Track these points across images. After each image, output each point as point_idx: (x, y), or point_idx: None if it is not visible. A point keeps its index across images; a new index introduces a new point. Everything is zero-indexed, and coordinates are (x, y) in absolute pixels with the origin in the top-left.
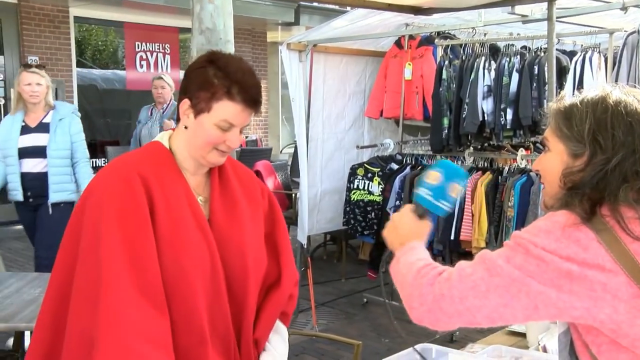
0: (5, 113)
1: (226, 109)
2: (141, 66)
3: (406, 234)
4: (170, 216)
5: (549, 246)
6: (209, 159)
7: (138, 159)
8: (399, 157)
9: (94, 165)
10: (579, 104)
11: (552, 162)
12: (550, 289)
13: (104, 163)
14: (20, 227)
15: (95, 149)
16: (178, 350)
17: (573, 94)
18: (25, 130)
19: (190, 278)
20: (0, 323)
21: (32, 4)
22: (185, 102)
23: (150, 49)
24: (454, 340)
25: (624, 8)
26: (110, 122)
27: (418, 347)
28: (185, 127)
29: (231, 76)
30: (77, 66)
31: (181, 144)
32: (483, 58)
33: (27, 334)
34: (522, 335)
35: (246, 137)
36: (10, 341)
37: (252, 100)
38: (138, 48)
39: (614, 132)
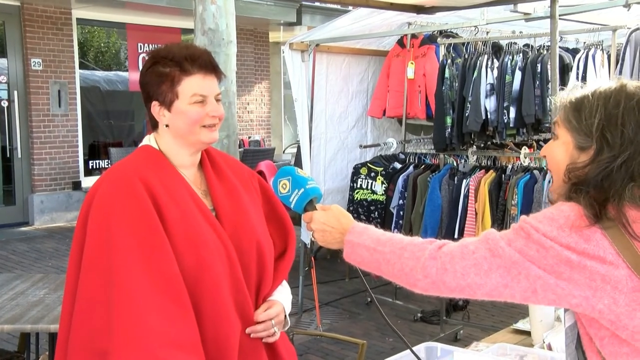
0: (9, 115)
1: (190, 84)
2: None
3: (339, 224)
4: (181, 213)
5: (550, 233)
6: (203, 138)
7: (134, 163)
8: (402, 156)
9: (98, 166)
10: (590, 95)
11: (558, 151)
12: (550, 274)
13: (107, 164)
14: (25, 228)
15: (99, 151)
16: (206, 345)
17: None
18: None
19: (213, 271)
20: (6, 324)
21: (35, 6)
22: (155, 105)
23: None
24: (458, 339)
25: (627, 5)
26: (113, 123)
27: (422, 345)
28: (167, 126)
29: (177, 57)
30: (80, 68)
31: (168, 142)
32: (486, 56)
33: (32, 335)
34: (527, 333)
35: (249, 137)
36: None
37: (207, 65)
38: (140, 49)
39: (624, 129)
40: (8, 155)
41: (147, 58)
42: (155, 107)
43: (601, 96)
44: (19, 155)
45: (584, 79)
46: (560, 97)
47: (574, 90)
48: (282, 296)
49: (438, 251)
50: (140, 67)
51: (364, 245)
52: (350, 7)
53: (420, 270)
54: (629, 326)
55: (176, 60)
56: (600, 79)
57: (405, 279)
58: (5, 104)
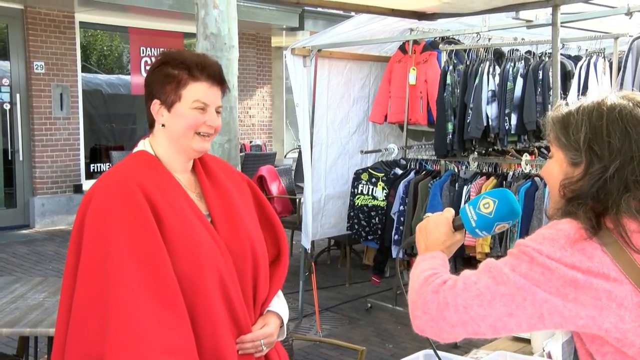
0: (11, 117)
1: (195, 90)
2: (146, 71)
3: (434, 241)
4: (178, 218)
5: (554, 254)
6: (194, 146)
7: (130, 168)
8: (403, 162)
9: (99, 170)
10: (575, 112)
11: (553, 168)
12: (556, 297)
13: (108, 168)
14: (26, 231)
15: (100, 154)
16: (204, 352)
17: (578, 99)
18: None
19: (210, 276)
20: (5, 328)
21: (38, 9)
22: (155, 103)
23: (155, 53)
24: (457, 346)
25: (629, 13)
26: (114, 127)
27: (421, 353)
28: (163, 126)
29: (188, 61)
30: (82, 71)
31: (163, 144)
32: (487, 63)
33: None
34: (527, 341)
35: (250, 141)
36: None
37: (215, 76)
38: (143, 53)
39: (610, 140)
40: (10, 158)
41: (157, 58)
42: (156, 106)
43: (585, 111)
44: (21, 158)
45: (585, 86)
46: (548, 117)
47: (560, 108)
48: (279, 307)
49: (442, 285)
50: (143, 71)
51: (415, 269)
52: (352, 13)
53: (420, 305)
54: (635, 343)
55: (186, 64)
56: (599, 89)
57: (410, 312)
58: (7, 106)
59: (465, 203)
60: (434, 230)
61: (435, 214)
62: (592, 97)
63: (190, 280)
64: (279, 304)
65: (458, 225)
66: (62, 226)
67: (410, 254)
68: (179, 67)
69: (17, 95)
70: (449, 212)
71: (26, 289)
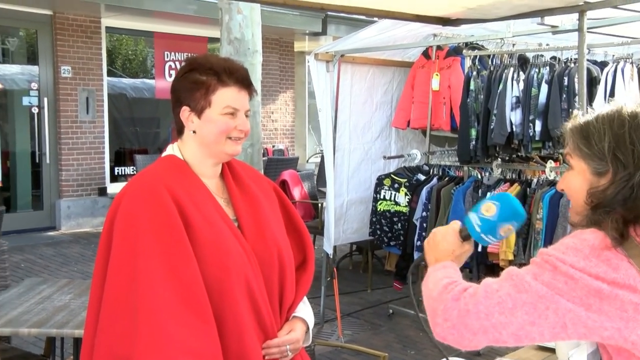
0: (39, 121)
1: (225, 96)
2: (170, 75)
3: (444, 252)
4: (206, 222)
5: (578, 264)
6: (227, 150)
7: (159, 172)
8: (425, 167)
9: (123, 173)
10: (594, 121)
11: (576, 180)
12: (579, 307)
13: (133, 171)
14: (52, 233)
15: (124, 157)
16: (230, 356)
17: (602, 106)
18: None
19: (237, 281)
20: (32, 328)
21: (66, 15)
22: (185, 110)
23: (179, 58)
24: (480, 354)
25: None
26: (139, 130)
27: None
28: (194, 132)
29: (215, 67)
30: (108, 75)
31: (192, 150)
32: (511, 69)
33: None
34: (552, 350)
35: (273, 146)
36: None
37: (243, 80)
38: (167, 57)
39: (634, 147)
40: (37, 161)
41: (183, 64)
42: (185, 112)
43: (605, 119)
44: (48, 161)
45: (612, 92)
46: (565, 128)
47: (577, 118)
48: (305, 313)
49: (463, 293)
50: (167, 75)
51: (427, 279)
52: (375, 18)
53: (441, 312)
54: None
55: (215, 70)
56: (625, 95)
57: (430, 320)
58: (35, 110)
59: None
60: (442, 241)
61: (442, 227)
62: (609, 106)
63: (218, 285)
64: (305, 310)
65: (465, 235)
66: (87, 228)
67: None
68: (207, 73)
69: (45, 99)
70: (456, 223)
71: (52, 290)
